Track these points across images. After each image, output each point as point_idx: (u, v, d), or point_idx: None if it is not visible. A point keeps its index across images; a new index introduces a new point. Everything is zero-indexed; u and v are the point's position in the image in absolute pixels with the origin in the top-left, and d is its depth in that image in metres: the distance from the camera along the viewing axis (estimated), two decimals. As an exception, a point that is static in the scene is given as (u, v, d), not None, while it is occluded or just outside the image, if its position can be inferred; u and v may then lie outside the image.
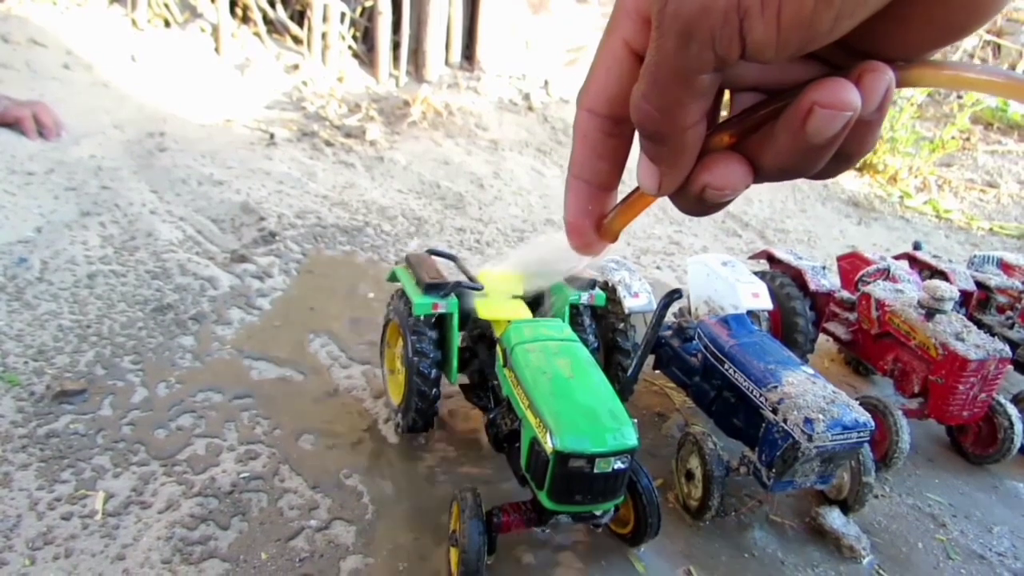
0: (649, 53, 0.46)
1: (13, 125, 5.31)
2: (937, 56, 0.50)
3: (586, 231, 0.61)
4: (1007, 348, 3.44)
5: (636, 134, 0.54)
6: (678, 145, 0.49)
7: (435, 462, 3.18)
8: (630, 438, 2.34)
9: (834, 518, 3.11)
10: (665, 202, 0.62)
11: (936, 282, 3.62)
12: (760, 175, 0.52)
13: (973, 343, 3.42)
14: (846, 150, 0.50)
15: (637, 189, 0.55)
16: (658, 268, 5.76)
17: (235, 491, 2.84)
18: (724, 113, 0.56)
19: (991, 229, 8.19)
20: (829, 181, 8.76)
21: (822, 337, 4.28)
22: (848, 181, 8.88)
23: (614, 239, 0.62)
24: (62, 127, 5.61)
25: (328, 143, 6.87)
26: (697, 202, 0.53)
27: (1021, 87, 0.45)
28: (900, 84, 0.48)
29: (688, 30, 0.42)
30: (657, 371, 3.78)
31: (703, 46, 0.43)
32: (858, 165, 9.19)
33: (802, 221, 7.53)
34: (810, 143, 0.47)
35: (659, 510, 2.67)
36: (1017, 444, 3.62)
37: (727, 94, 0.55)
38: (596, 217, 0.60)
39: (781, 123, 0.48)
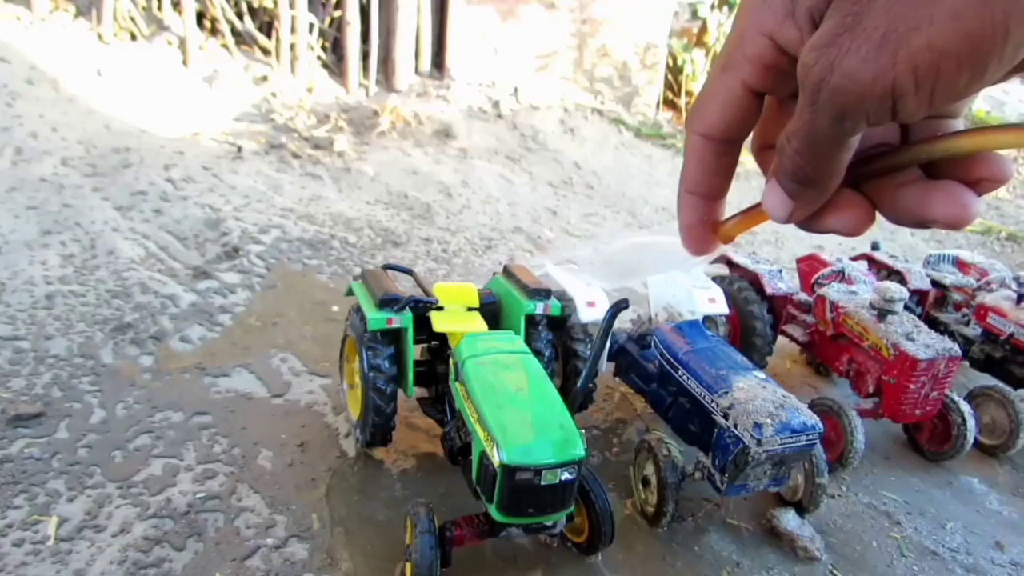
0: (800, 118, 0.50)
1: None
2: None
3: (703, 236, 0.68)
4: (956, 347, 3.52)
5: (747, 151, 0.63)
6: (825, 190, 0.54)
7: (394, 476, 3.20)
8: (577, 449, 2.37)
9: (789, 519, 3.16)
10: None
11: (886, 283, 3.69)
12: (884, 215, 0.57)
13: (923, 343, 3.49)
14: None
15: (758, 205, 0.61)
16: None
17: (191, 511, 2.84)
18: None
19: (956, 226, 8.32)
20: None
21: (785, 339, 4.34)
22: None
23: (730, 242, 0.68)
24: None
25: (295, 155, 6.86)
26: (816, 231, 0.59)
27: None
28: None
29: (843, 113, 0.46)
30: (617, 378, 3.82)
31: (856, 122, 0.47)
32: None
33: (770, 222, 7.60)
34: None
35: (612, 518, 2.71)
36: (971, 440, 3.70)
37: None
38: (711, 223, 0.67)
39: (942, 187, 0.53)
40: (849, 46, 0.44)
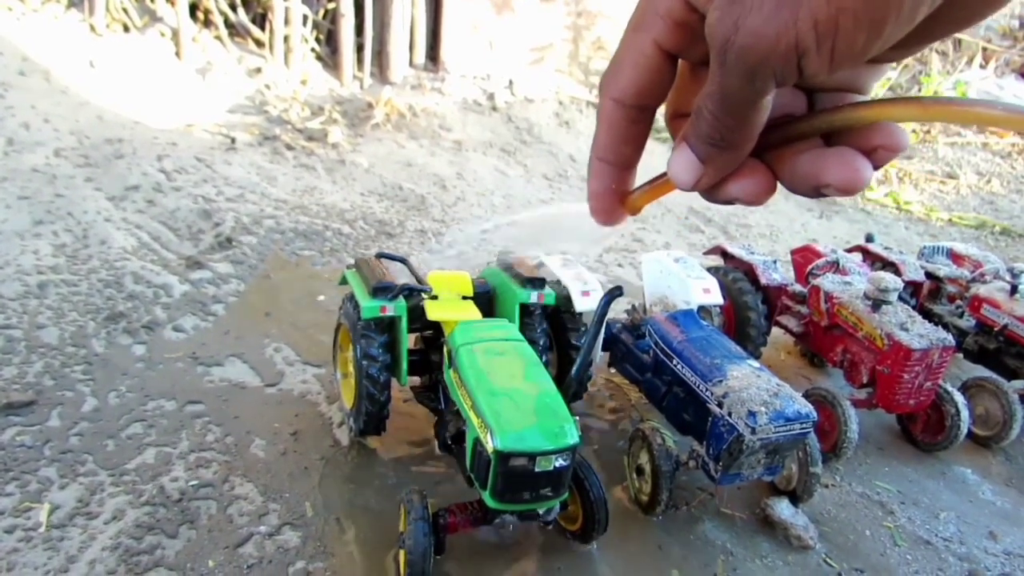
0: (712, 81, 0.50)
1: None
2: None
3: (611, 206, 0.67)
4: (950, 337, 3.52)
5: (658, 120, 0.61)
6: (739, 153, 0.54)
7: (388, 464, 3.19)
8: (571, 436, 2.36)
9: (782, 509, 3.16)
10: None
11: (881, 274, 3.69)
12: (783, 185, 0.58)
13: (917, 333, 3.49)
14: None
15: (664, 175, 0.60)
16: (620, 266, 5.80)
17: (184, 499, 2.83)
18: None
19: (950, 220, 8.34)
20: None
21: (779, 330, 4.34)
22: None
23: (636, 212, 0.68)
24: None
25: (289, 147, 6.83)
26: (718, 201, 0.60)
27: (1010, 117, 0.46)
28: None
29: (752, 72, 0.47)
30: (611, 367, 3.82)
31: (765, 80, 0.47)
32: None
33: (764, 216, 7.62)
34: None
35: (606, 506, 2.71)
36: (964, 431, 3.70)
37: None
38: (619, 193, 0.66)
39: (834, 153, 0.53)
40: (752, 4, 0.44)
